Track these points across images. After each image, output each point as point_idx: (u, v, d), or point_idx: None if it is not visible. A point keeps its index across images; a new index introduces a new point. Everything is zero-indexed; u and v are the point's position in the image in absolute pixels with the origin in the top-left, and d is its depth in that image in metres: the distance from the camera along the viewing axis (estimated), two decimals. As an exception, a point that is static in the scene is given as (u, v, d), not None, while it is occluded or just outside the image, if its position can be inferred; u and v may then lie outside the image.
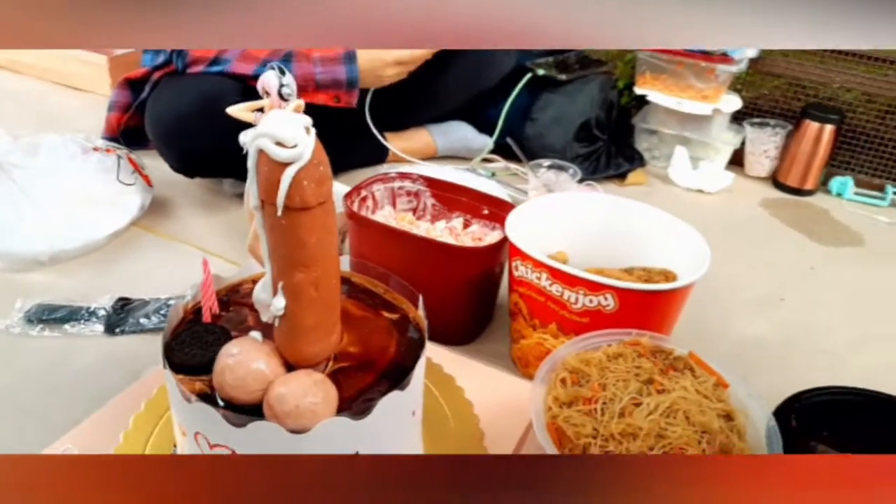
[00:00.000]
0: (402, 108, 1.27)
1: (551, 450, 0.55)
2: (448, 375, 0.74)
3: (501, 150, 1.32)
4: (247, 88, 1.08)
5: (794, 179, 1.35)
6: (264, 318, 0.52)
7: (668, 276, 0.80)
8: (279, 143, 0.44)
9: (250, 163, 0.45)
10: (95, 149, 0.99)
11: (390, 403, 0.51)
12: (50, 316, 0.83)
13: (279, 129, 0.43)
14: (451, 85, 1.28)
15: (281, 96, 0.53)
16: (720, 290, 0.99)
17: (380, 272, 0.67)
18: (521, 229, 0.77)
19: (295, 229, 0.47)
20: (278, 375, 0.52)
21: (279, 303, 0.50)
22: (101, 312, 0.84)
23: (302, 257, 0.48)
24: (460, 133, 1.33)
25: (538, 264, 0.70)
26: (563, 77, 1.28)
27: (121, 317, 0.84)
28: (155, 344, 0.83)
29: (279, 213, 0.45)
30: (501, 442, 0.67)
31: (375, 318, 0.62)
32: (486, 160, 1.33)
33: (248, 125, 0.57)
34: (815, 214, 1.30)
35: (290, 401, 0.49)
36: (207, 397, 0.53)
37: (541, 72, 1.29)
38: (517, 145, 1.28)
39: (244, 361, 0.51)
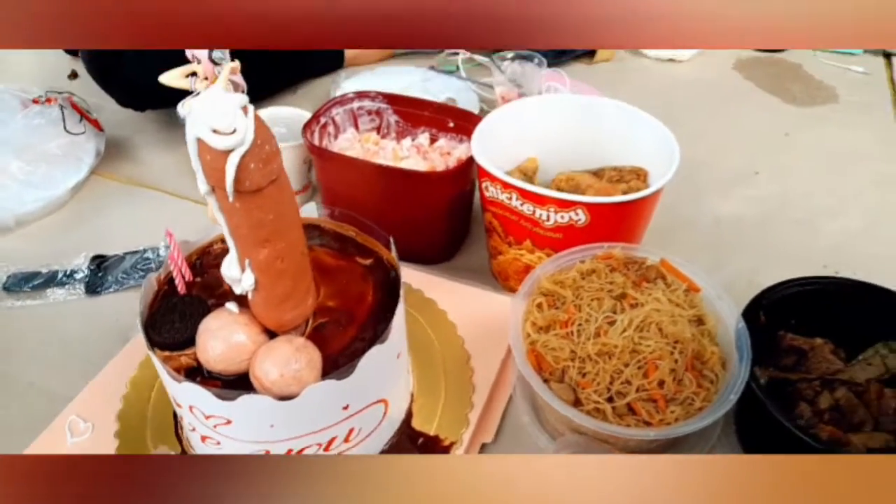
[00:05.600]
0: None
1: (531, 376, 0.57)
2: (429, 300, 0.76)
3: (463, 39, 1.26)
4: None
5: (767, 35, 1.31)
6: (237, 291, 0.52)
7: (639, 173, 0.80)
8: (216, 132, 0.42)
9: (191, 150, 0.43)
10: (35, 101, 0.94)
11: (373, 357, 0.53)
12: (29, 284, 0.83)
13: (213, 118, 0.41)
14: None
15: (212, 61, 0.50)
16: (692, 169, 0.97)
17: (348, 215, 0.66)
18: (488, 144, 0.75)
19: (250, 211, 0.46)
20: (260, 344, 0.53)
21: (248, 279, 0.50)
22: (80, 274, 0.84)
23: (263, 235, 0.48)
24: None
25: (507, 185, 0.70)
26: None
27: (100, 276, 0.84)
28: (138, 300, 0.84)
29: (230, 199, 0.44)
30: (487, 362, 0.69)
31: (350, 266, 0.63)
32: (449, 53, 1.27)
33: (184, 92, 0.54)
34: (787, 71, 1.26)
35: (274, 372, 0.50)
36: (195, 372, 0.54)
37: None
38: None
39: (224, 336, 0.52)
